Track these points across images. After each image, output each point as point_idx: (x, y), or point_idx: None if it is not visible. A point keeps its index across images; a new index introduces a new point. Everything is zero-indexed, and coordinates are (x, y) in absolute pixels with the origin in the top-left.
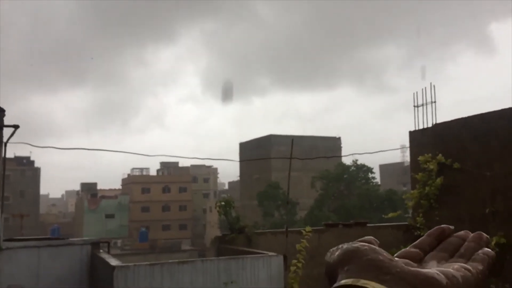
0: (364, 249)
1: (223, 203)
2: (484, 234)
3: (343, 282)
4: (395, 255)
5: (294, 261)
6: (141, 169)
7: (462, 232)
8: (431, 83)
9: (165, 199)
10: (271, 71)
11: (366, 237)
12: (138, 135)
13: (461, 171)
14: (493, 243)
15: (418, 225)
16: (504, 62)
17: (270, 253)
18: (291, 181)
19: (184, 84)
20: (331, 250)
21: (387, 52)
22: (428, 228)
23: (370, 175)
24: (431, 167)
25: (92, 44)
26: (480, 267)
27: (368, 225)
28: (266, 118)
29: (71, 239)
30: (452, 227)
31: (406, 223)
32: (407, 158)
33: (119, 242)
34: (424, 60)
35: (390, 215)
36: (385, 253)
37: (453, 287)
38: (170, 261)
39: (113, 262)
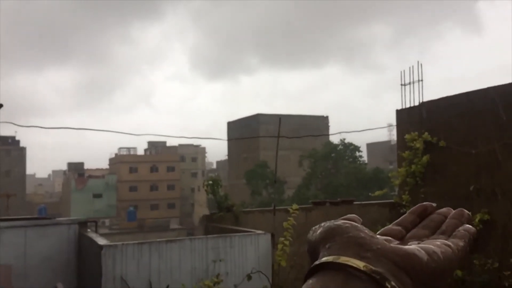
0: (345, 227)
1: (210, 182)
2: (465, 211)
3: (323, 259)
4: (377, 232)
5: (282, 239)
6: (129, 149)
7: (444, 209)
8: (418, 62)
9: (153, 178)
10: (259, 50)
11: (349, 215)
12: (125, 114)
13: (447, 149)
14: (477, 219)
15: (404, 203)
16: (490, 41)
17: (258, 231)
18: (279, 160)
19: (171, 63)
20: (313, 228)
21: (375, 30)
22: (413, 205)
23: (357, 154)
24: (417, 145)
25: (77, 21)
26: (461, 243)
27: (355, 203)
28: (254, 97)
29: (58, 218)
30: (434, 204)
31: (392, 200)
32: (394, 136)
33: (107, 221)
34: (412, 38)
35: (377, 193)
36: (366, 230)
37: (433, 263)
38: (158, 240)
39: (101, 241)
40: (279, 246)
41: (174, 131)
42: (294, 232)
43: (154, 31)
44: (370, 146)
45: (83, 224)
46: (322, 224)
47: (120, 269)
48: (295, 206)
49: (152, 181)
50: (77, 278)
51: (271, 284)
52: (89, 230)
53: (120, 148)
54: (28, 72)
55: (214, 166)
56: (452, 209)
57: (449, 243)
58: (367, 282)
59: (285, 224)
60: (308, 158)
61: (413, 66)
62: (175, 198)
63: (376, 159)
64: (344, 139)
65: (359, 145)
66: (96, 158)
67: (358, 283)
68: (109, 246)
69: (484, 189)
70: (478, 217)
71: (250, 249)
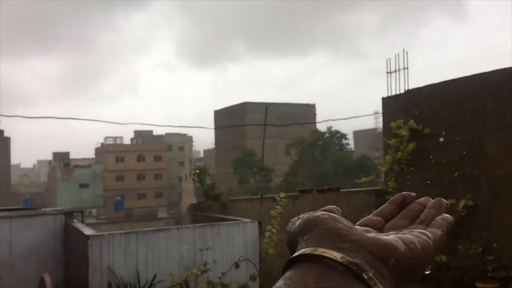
0: (324, 218)
1: (197, 171)
2: (443, 200)
3: (301, 251)
4: (356, 223)
5: (269, 226)
6: (115, 138)
7: (423, 199)
8: (404, 49)
9: (140, 167)
10: (246, 38)
11: (329, 206)
12: (111, 103)
13: (432, 136)
14: (461, 205)
15: (390, 190)
16: (476, 28)
17: (245, 220)
18: (266, 148)
19: (157, 51)
20: (292, 220)
21: (362, 17)
22: (400, 192)
23: (344, 141)
24: (403, 133)
25: (61, 8)
26: (439, 232)
27: (341, 190)
28: (241, 85)
29: (44, 209)
30: (413, 194)
31: (378, 187)
32: (380, 124)
33: (94, 211)
34: (398, 25)
35: (363, 180)
36: (345, 221)
37: (411, 253)
38: (145, 229)
39: (87, 231)
40: (267, 234)
41: (161, 120)
42: (281, 220)
43: (139, 19)
44: (357, 134)
45: (69, 214)
46: (301, 215)
47: (107, 259)
48: (282, 194)
49: (139, 170)
50: (63, 268)
51: (259, 271)
52: (75, 220)
53: (106, 138)
54: (12, 60)
55: (202, 154)
56: (430, 199)
57: (427, 232)
58: (345, 273)
59: (272, 212)
60: (295, 146)
61: (398, 54)
62: (163, 187)
63: (362, 147)
64: (331, 127)
65: (345, 133)
66: (82, 148)
67: (335, 275)
68: (96, 236)
69: (468, 176)
70: (462, 203)
71: (238, 237)
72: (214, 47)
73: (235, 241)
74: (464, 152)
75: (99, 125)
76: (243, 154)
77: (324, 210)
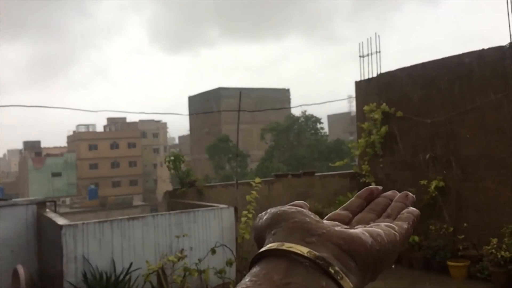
0: (291, 212)
1: (172, 157)
2: (410, 193)
3: (267, 246)
4: (324, 218)
5: (245, 212)
6: (87, 126)
7: (389, 192)
8: (376, 33)
9: (113, 155)
10: (219, 22)
11: (296, 201)
12: (82, 90)
13: (404, 119)
14: (432, 186)
15: (363, 173)
16: (447, 11)
17: (221, 205)
18: (241, 133)
19: (129, 36)
20: (260, 215)
21: (335, 1)
22: (373, 175)
23: (319, 126)
24: (376, 116)
25: None
26: (405, 225)
27: (316, 174)
28: (215, 70)
29: (15, 199)
30: (380, 187)
31: (352, 171)
32: (353, 108)
33: (68, 200)
34: (371, 9)
35: (337, 163)
36: (312, 215)
37: (377, 245)
38: (120, 217)
39: (60, 221)
40: (243, 219)
41: (135, 107)
42: (257, 205)
43: (109, 3)
44: (331, 118)
45: (41, 204)
46: (269, 210)
47: (82, 249)
48: (257, 179)
49: (113, 158)
50: (37, 259)
51: (235, 256)
52: (48, 210)
53: (78, 125)
54: None
55: (177, 141)
56: (397, 192)
57: (393, 226)
58: (311, 268)
59: (248, 197)
60: (270, 131)
61: (371, 38)
62: (137, 174)
63: (337, 131)
64: (306, 111)
65: (320, 117)
66: (54, 136)
67: (302, 270)
68: (69, 225)
69: (439, 157)
70: (433, 184)
71: (214, 223)
72: (187, 31)
73: (211, 227)
74: (435, 135)
75: (71, 113)
76: (218, 140)
77: (292, 205)
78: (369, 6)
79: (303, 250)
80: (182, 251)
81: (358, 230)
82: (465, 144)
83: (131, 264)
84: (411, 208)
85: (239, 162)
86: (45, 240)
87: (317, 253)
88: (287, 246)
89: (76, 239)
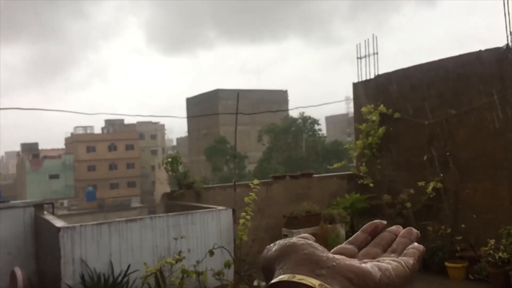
0: (300, 244)
1: (170, 159)
2: (414, 229)
3: (278, 278)
4: (331, 251)
5: (243, 213)
6: (85, 128)
7: (394, 227)
8: (373, 34)
9: (111, 157)
10: (217, 23)
11: (304, 234)
12: (81, 91)
13: (401, 120)
14: (430, 187)
15: (361, 174)
16: (443, 13)
17: (219, 207)
18: (239, 135)
19: (127, 37)
20: (268, 246)
21: (333, 2)
22: (371, 176)
23: (316, 127)
24: (373, 117)
25: None
26: (411, 261)
27: (314, 175)
28: (213, 72)
29: (13, 201)
30: (384, 222)
31: (350, 172)
32: (351, 109)
33: (65, 202)
34: (369, 11)
35: (335, 165)
36: (320, 248)
37: (386, 279)
38: (118, 219)
39: (58, 223)
40: (241, 221)
41: (132, 108)
42: (255, 207)
43: (107, 5)
44: (329, 119)
45: (39, 206)
46: (277, 242)
47: (80, 251)
48: (255, 181)
49: (111, 160)
50: (35, 261)
51: (234, 258)
52: (45, 212)
53: (76, 127)
54: None
55: (175, 143)
56: (401, 227)
57: (401, 261)
58: None
59: (246, 199)
60: (268, 133)
61: (368, 39)
62: (135, 176)
63: (335, 132)
64: (303, 112)
65: (318, 118)
66: (51, 138)
67: None
68: (67, 228)
69: (437, 158)
70: (431, 185)
71: (212, 225)
72: (185, 33)
73: (209, 229)
74: (432, 136)
75: (69, 115)
76: (215, 142)
77: (299, 237)
78: (367, 8)
79: (314, 282)
80: (180, 253)
81: (368, 264)
82: (463, 145)
83: (129, 266)
84: (416, 244)
85: (237, 164)
86: (42, 242)
87: (328, 286)
88: (299, 278)
89: (74, 241)
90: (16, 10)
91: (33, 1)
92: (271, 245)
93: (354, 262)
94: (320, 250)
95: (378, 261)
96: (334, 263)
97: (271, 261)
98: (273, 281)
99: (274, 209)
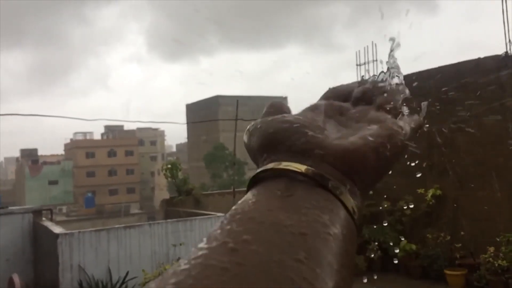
0: (284, 130)
1: (169, 165)
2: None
3: (263, 167)
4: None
5: None
6: (85, 133)
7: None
8: (372, 42)
9: (111, 163)
10: (218, 30)
11: (274, 102)
12: (81, 97)
13: None
14: (430, 195)
15: None
16: (444, 20)
17: (218, 214)
18: (238, 141)
19: (128, 43)
20: (248, 128)
21: (334, 9)
22: None
23: None
24: None
25: (28, 0)
26: (407, 127)
27: None
28: (213, 78)
29: (11, 207)
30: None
31: None
32: None
33: (64, 208)
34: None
35: None
36: (308, 130)
37: (379, 161)
38: (117, 226)
39: (56, 229)
40: None
41: (132, 114)
42: None
43: (109, 11)
44: None
45: (37, 212)
46: (258, 121)
47: (78, 257)
48: None
49: (110, 165)
50: (33, 268)
51: None
52: (44, 218)
53: (75, 133)
54: None
55: (174, 149)
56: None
57: (398, 128)
58: (310, 185)
59: None
60: None
61: (367, 46)
62: (135, 182)
63: None
64: None
65: None
66: (51, 144)
67: (301, 187)
68: (65, 234)
69: (436, 166)
70: (430, 192)
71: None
72: (186, 39)
73: None
74: (432, 143)
75: (68, 120)
76: (214, 148)
77: (270, 106)
78: (368, 14)
79: (301, 167)
80: (179, 259)
81: (360, 142)
82: (463, 153)
83: (127, 273)
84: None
85: (236, 170)
86: (41, 248)
87: (315, 170)
88: (285, 164)
89: (72, 248)
90: (17, 16)
91: (34, 7)
92: (250, 126)
93: (344, 139)
94: (305, 133)
95: (375, 127)
96: (321, 146)
97: (254, 151)
98: (257, 170)
99: None
